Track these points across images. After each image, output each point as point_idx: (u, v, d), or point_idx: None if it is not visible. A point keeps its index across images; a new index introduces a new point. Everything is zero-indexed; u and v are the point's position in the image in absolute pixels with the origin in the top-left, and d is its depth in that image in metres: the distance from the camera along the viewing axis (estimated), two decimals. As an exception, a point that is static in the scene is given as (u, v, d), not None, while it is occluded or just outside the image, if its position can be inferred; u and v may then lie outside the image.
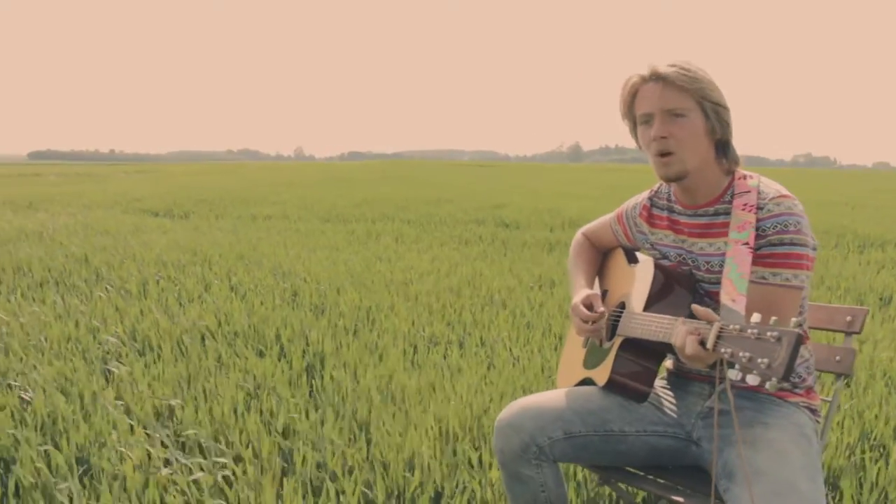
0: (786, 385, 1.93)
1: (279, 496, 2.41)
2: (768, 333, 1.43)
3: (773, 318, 1.76)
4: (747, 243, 1.82)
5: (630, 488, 2.38)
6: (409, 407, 3.15)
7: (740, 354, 1.47)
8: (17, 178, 30.55)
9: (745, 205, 1.85)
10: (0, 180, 28.37)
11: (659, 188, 2.11)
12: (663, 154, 1.87)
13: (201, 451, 2.73)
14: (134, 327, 4.41)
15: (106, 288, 5.66)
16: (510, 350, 4.20)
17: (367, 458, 2.66)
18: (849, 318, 2.18)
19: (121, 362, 3.79)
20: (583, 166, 76.25)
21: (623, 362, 2.00)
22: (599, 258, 2.36)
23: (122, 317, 4.65)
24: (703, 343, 1.59)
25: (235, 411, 3.08)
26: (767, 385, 1.41)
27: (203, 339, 4.24)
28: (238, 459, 2.63)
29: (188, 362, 3.75)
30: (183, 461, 2.57)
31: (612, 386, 2.02)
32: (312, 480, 2.52)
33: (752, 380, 1.42)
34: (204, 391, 3.31)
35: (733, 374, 1.44)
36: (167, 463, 2.64)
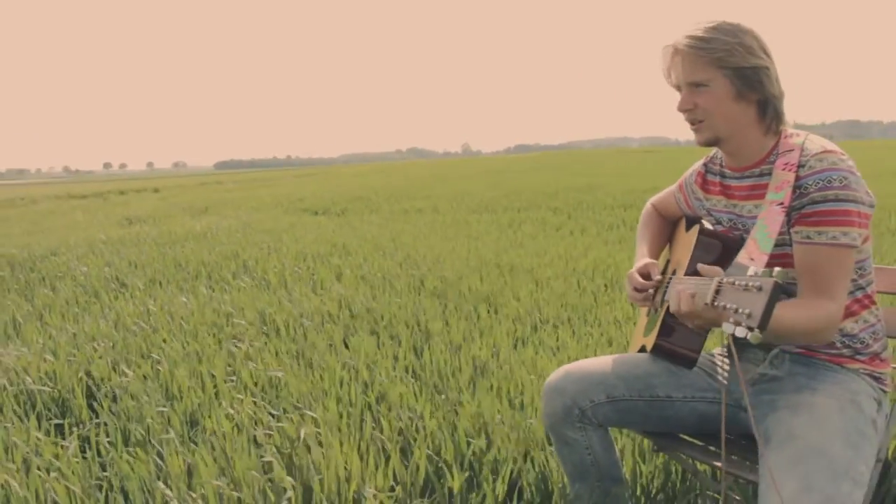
0: (844, 351, 1.88)
1: (359, 453, 2.57)
2: (751, 283, 1.43)
3: (819, 279, 1.75)
4: (782, 203, 1.77)
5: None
6: (497, 381, 3.24)
7: (730, 307, 1.47)
8: (201, 187, 33.04)
9: (786, 164, 1.80)
10: (186, 189, 30.81)
11: (714, 154, 2.10)
12: (693, 122, 1.87)
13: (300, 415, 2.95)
14: (264, 312, 4.76)
15: (248, 279, 6.10)
16: (622, 329, 4.19)
17: (441, 425, 2.77)
18: None
19: (240, 340, 4.12)
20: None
21: (669, 328, 2.01)
22: (668, 228, 2.35)
23: (255, 304, 5.02)
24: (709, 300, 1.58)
25: (339, 382, 3.27)
26: (750, 337, 1.41)
27: (322, 321, 4.51)
28: (324, 422, 2.82)
29: (302, 341, 4.02)
30: (276, 422, 2.78)
31: (658, 352, 2.04)
32: (387, 443, 2.67)
33: (740, 332, 1.42)
34: (311, 364, 3.55)
35: (728, 328, 1.44)
36: (259, 423, 2.88)
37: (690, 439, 2.19)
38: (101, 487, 2.49)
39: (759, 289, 1.40)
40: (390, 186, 21.30)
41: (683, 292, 1.65)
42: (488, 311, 4.69)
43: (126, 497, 2.43)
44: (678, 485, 2.45)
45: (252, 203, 17.33)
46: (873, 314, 1.91)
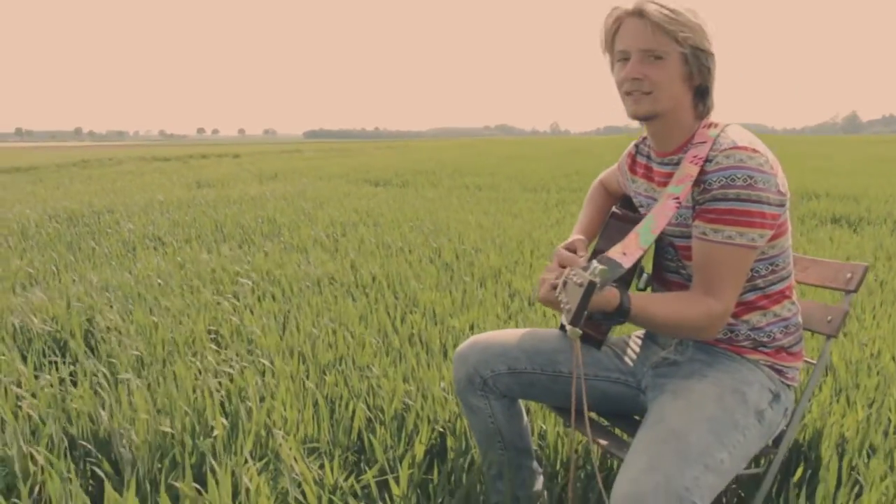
0: (745, 343, 1.86)
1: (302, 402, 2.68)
2: (577, 279, 1.45)
3: (708, 276, 1.75)
4: (677, 198, 1.74)
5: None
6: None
7: (563, 301, 1.50)
8: (280, 155, 33.72)
9: (694, 156, 1.75)
10: (266, 156, 31.51)
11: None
12: (634, 92, 1.76)
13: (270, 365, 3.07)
14: (272, 273, 4.90)
15: (274, 243, 6.28)
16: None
17: (393, 388, 2.84)
18: (848, 276, 2.02)
19: (237, 298, 4.27)
20: (856, 138, 69.66)
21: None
22: (610, 204, 2.34)
23: (267, 265, 5.17)
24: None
25: (311, 342, 3.38)
26: (568, 332, 1.44)
27: (319, 284, 4.62)
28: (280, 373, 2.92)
29: (290, 301, 4.14)
30: (235, 372, 2.90)
31: (565, 329, 2.06)
32: (332, 395, 2.77)
33: (564, 319, 1.46)
34: (291, 322, 3.67)
35: (563, 319, 1.48)
36: (220, 373, 3.00)
37: (597, 418, 2.21)
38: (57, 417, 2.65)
39: (580, 285, 1.42)
40: (459, 162, 21.36)
41: (545, 281, 1.68)
42: (494, 283, 4.73)
43: (71, 422, 2.59)
44: (598, 461, 2.46)
45: (320, 172, 17.64)
46: (786, 308, 1.87)
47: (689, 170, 1.76)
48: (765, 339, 1.86)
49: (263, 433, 2.48)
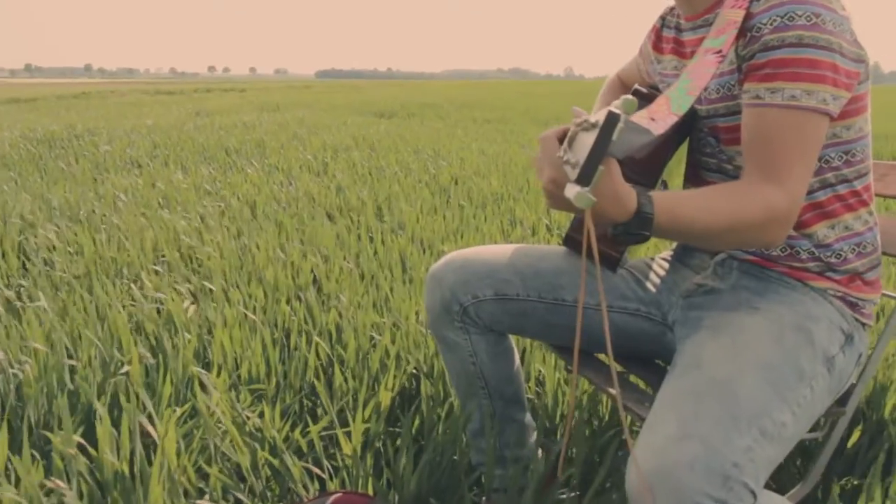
0: (811, 265, 1.34)
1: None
2: (586, 124, 0.91)
3: (765, 155, 1.22)
4: (719, 51, 1.23)
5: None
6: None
7: (568, 158, 0.96)
8: (288, 90, 32.93)
9: (735, 1, 1.25)
10: (273, 91, 30.74)
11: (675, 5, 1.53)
12: None
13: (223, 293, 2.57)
14: (248, 194, 4.39)
15: (259, 164, 5.75)
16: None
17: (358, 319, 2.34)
18: None
19: (202, 219, 3.76)
20: (880, 88, 67.95)
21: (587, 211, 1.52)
22: None
23: (243, 186, 4.66)
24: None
25: (276, 267, 2.88)
26: (574, 198, 0.89)
27: (297, 205, 4.10)
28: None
29: (257, 223, 3.63)
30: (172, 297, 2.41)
31: (572, 245, 1.55)
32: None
33: (569, 192, 0.90)
34: (254, 245, 3.15)
35: (567, 192, 0.93)
36: (156, 300, 2.51)
37: (608, 361, 1.70)
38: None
39: (593, 126, 0.89)
40: (469, 97, 20.64)
41: (545, 142, 1.14)
42: (492, 211, 4.19)
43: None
44: (606, 417, 1.96)
45: (325, 104, 17.01)
46: (862, 220, 1.34)
47: (731, 15, 1.25)
48: (834, 261, 1.33)
49: (195, 372, 1.99)
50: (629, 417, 1.64)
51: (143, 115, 13.13)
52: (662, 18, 1.55)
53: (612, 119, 0.83)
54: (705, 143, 1.41)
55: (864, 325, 1.36)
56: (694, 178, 1.48)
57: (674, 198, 1.13)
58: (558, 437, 1.95)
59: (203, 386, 1.97)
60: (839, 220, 1.33)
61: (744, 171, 1.24)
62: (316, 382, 1.90)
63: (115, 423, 1.71)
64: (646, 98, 1.49)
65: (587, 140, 0.87)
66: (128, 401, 1.79)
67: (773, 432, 1.08)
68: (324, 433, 1.86)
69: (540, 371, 2.15)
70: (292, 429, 1.90)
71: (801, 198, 1.19)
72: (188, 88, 33.20)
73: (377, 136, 8.13)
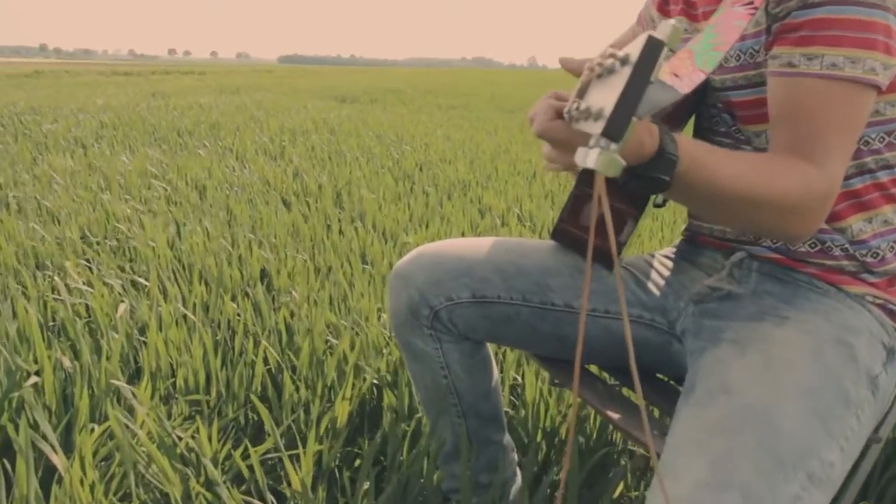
0: (845, 263, 1.10)
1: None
2: (619, 55, 0.64)
3: (800, 131, 0.98)
4: (751, 2, 0.99)
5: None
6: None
7: (585, 109, 0.69)
8: (250, 73, 32.29)
9: None
10: (234, 74, 30.08)
11: None
12: None
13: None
14: (197, 177, 4.08)
15: (212, 145, 5.43)
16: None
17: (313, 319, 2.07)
18: None
19: (143, 203, 3.45)
20: None
21: (580, 203, 1.27)
22: None
23: (193, 169, 4.35)
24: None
25: (220, 258, 2.59)
26: (597, 164, 0.62)
27: (249, 190, 3.81)
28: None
29: (203, 210, 3.33)
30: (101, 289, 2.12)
31: (561, 238, 1.31)
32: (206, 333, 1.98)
33: (590, 160, 0.62)
34: (199, 233, 2.86)
35: (579, 158, 0.65)
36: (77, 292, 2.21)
37: (599, 374, 1.45)
38: None
39: (625, 61, 0.62)
40: (433, 84, 20.34)
41: (547, 100, 0.89)
42: (459, 199, 3.94)
43: None
44: (594, 435, 1.72)
45: (286, 88, 16.60)
46: None
47: None
48: (870, 261, 1.10)
49: (120, 381, 1.70)
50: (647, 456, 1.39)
51: (96, 96, 12.62)
52: None
53: (653, 47, 0.57)
54: (718, 121, 1.17)
55: (905, 337, 1.13)
56: None
57: (699, 145, 0.88)
58: (538, 456, 1.71)
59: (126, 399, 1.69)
60: (877, 212, 1.10)
61: (771, 150, 1.00)
62: (255, 399, 1.62)
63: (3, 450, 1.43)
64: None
65: (614, 82, 0.61)
66: (29, 421, 1.50)
67: (822, 475, 0.86)
68: (271, 455, 1.60)
69: (516, 378, 1.92)
70: (235, 447, 1.64)
71: (839, 183, 0.96)
72: (146, 71, 32.38)
73: (338, 120, 7.81)
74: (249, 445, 1.50)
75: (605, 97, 0.63)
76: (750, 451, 0.82)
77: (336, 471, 1.58)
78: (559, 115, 0.83)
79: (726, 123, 1.15)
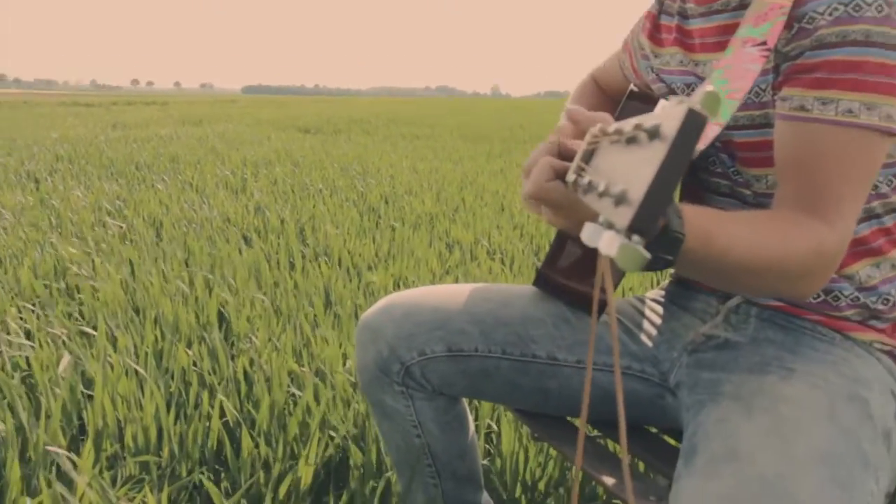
0: (850, 313, 1.03)
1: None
2: (645, 126, 0.53)
3: (810, 183, 0.89)
4: (764, 43, 0.92)
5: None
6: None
7: (597, 184, 0.57)
8: (212, 104, 32.05)
9: None
10: (195, 105, 29.83)
11: None
12: None
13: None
14: (153, 213, 3.93)
15: (171, 179, 5.27)
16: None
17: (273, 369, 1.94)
18: None
19: (95, 242, 3.29)
20: None
21: (562, 249, 1.18)
22: (609, 106, 1.43)
23: (149, 205, 4.20)
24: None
25: (176, 301, 2.44)
26: (617, 255, 0.50)
27: (209, 227, 3.66)
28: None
29: (160, 248, 3.18)
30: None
31: (544, 285, 1.21)
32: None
33: (604, 244, 0.50)
34: (153, 274, 2.71)
35: (587, 235, 0.54)
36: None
37: (586, 428, 1.34)
38: None
39: (654, 134, 0.50)
40: (397, 113, 20.32)
41: (539, 164, 0.78)
42: (426, 233, 3.83)
43: None
44: (569, 484, 1.60)
45: (250, 119, 16.45)
46: None
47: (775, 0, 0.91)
48: (881, 308, 1.02)
49: (57, 447, 1.56)
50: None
51: (54, 128, 12.37)
52: (660, 2, 1.21)
53: (695, 123, 0.46)
54: (715, 161, 1.08)
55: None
56: (696, 203, 1.14)
57: (707, 217, 0.78)
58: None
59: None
60: (885, 258, 1.03)
61: (778, 199, 0.92)
62: (201, 478, 1.49)
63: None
64: (646, 101, 1.15)
65: (639, 157, 0.50)
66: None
67: None
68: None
69: (491, 426, 1.80)
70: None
71: (849, 238, 0.89)
72: (108, 101, 31.99)
73: (301, 151, 7.69)
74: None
75: (626, 175, 0.51)
76: None
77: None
78: (559, 176, 0.73)
79: (724, 164, 1.06)
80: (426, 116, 18.60)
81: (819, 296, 1.03)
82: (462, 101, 64.33)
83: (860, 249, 1.01)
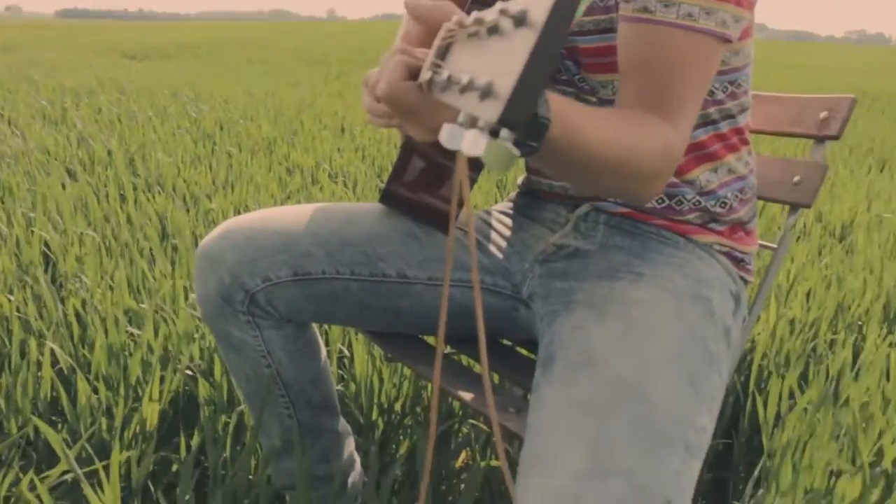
0: (691, 217, 1.05)
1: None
2: (511, 11, 0.48)
3: (653, 84, 0.91)
4: None
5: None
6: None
7: (457, 79, 0.53)
8: (24, 29, 29.42)
9: None
10: (5, 31, 27.27)
11: None
12: None
13: None
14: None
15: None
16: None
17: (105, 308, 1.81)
18: (823, 115, 1.23)
19: None
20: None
21: (410, 161, 1.14)
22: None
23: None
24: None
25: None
26: (484, 151, 0.46)
27: (26, 160, 3.37)
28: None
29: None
30: None
31: (391, 201, 1.16)
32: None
33: (467, 143, 0.46)
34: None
35: (446, 136, 0.49)
36: None
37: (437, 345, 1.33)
38: None
39: (521, 21, 0.46)
40: (229, 37, 19.41)
41: (399, 57, 0.72)
42: (265, 158, 3.69)
43: None
44: (427, 402, 1.61)
45: (67, 46, 15.23)
46: (743, 161, 1.09)
47: None
48: (719, 210, 1.07)
49: None
50: (499, 439, 1.29)
51: None
52: None
53: (564, 5, 0.43)
54: (560, 68, 1.07)
55: (746, 282, 1.11)
56: None
57: (574, 106, 0.76)
58: (375, 435, 1.58)
59: None
60: (722, 162, 1.06)
61: (622, 100, 0.92)
62: (37, 420, 1.38)
63: None
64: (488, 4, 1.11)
65: (505, 48, 0.46)
66: None
67: (697, 443, 0.80)
68: (68, 476, 1.36)
69: (341, 350, 1.77)
70: (24, 471, 1.39)
71: (688, 140, 0.91)
72: None
73: (128, 78, 7.21)
74: (34, 476, 1.26)
75: (492, 67, 0.47)
76: (627, 430, 0.75)
77: (149, 483, 1.38)
78: (413, 76, 0.68)
79: (569, 71, 1.05)
80: (261, 40, 17.88)
81: (663, 200, 1.05)
82: (298, 24, 62.33)
83: (700, 154, 1.04)
